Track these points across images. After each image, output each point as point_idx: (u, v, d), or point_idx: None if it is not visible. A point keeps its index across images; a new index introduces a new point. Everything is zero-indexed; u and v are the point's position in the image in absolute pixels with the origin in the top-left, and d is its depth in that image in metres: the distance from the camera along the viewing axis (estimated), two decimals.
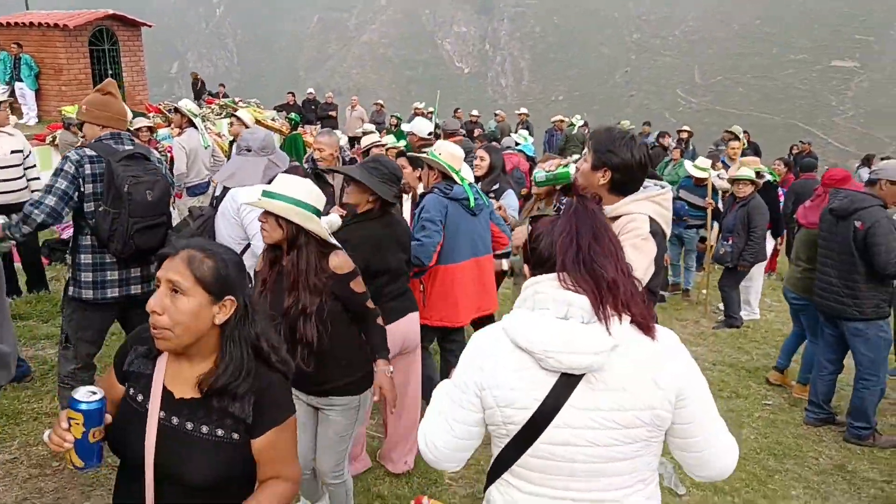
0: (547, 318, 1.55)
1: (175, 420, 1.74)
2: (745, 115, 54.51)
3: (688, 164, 8.89)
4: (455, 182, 4.13)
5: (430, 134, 6.76)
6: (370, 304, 2.96)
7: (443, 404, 1.73)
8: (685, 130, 14.21)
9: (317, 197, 2.81)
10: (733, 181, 7.11)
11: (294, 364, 1.90)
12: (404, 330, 3.61)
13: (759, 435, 4.79)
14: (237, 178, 3.83)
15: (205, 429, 1.73)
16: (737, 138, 9.95)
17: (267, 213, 2.71)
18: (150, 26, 16.83)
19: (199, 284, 1.69)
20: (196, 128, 7.39)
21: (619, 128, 2.72)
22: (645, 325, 1.60)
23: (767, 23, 63.06)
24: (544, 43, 71.11)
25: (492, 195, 5.14)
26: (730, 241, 7.01)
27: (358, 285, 2.88)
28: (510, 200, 5.26)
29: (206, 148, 7.38)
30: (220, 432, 1.72)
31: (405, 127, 8.06)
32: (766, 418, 5.09)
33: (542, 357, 1.53)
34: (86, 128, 3.73)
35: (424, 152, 6.61)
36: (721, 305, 7.49)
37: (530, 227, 1.78)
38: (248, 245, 3.73)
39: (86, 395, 1.71)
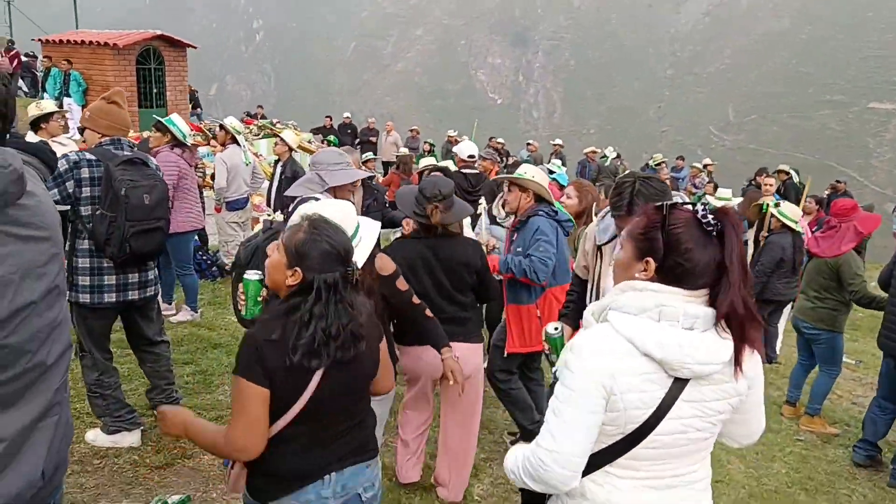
0: (676, 331, 1.66)
1: None
2: (779, 154, 54.03)
3: (709, 197, 8.93)
4: (551, 204, 4.21)
5: (470, 157, 6.85)
6: (416, 299, 3.15)
7: (562, 417, 1.71)
8: (709, 164, 14.44)
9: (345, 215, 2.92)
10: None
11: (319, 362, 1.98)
12: (425, 359, 3.52)
13: (790, 470, 4.74)
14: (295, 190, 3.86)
15: None
16: (786, 172, 9.95)
17: None
18: (195, 48, 17.33)
19: (283, 247, 2.01)
20: (239, 145, 7.58)
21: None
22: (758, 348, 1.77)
23: (803, 63, 62.80)
24: (578, 76, 71.51)
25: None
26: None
27: (402, 284, 3.09)
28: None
29: (247, 165, 7.57)
30: None
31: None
32: (798, 454, 5.03)
33: (677, 368, 1.66)
34: (87, 133, 3.79)
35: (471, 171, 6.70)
36: None
37: (669, 220, 1.72)
38: None
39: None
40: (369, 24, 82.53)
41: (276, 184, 8.06)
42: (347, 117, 19.16)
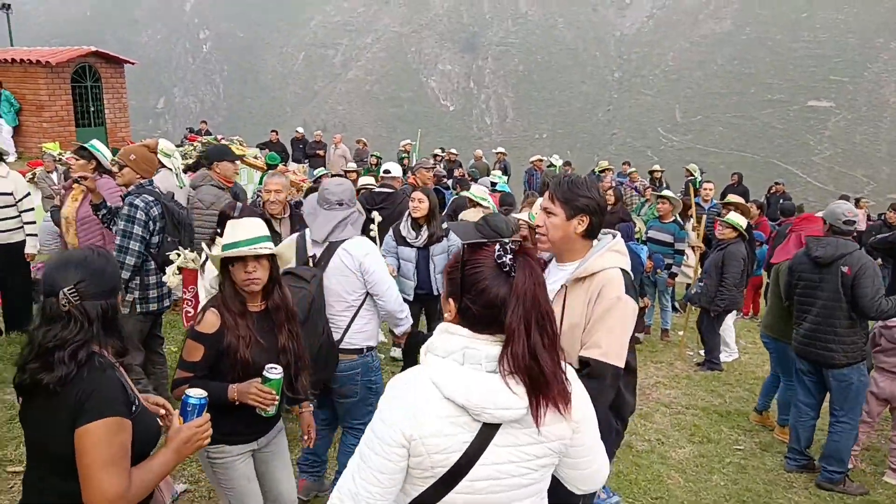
0: (480, 375, 1.61)
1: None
2: (725, 153, 55.40)
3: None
4: None
5: (385, 172, 7.32)
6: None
7: (366, 460, 1.66)
8: (657, 170, 14.52)
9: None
10: (718, 223, 7.19)
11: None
12: None
13: (728, 482, 4.77)
14: (341, 233, 3.66)
15: None
16: (706, 180, 10.10)
17: (253, 259, 2.70)
18: (132, 63, 16.91)
19: None
20: (169, 168, 7.34)
21: (572, 174, 2.80)
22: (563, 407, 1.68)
23: (745, 63, 64.45)
24: (528, 81, 72.17)
25: (443, 235, 5.45)
26: (702, 283, 7.06)
27: None
28: (455, 240, 5.47)
29: (181, 188, 7.34)
30: None
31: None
32: (737, 464, 5.08)
33: (478, 413, 1.60)
34: (127, 171, 4.57)
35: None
36: (699, 349, 7.53)
37: (466, 261, 1.68)
38: (365, 296, 3.67)
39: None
40: (319, 33, 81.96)
41: None
42: (299, 132, 18.83)
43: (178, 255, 4.48)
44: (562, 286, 2.58)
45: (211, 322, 2.67)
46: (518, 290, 1.61)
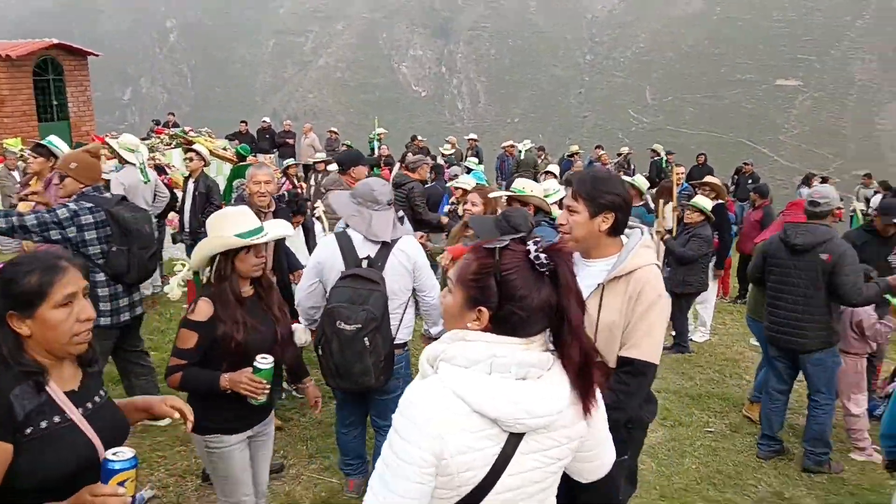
0: (508, 383, 1.53)
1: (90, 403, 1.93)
2: (695, 134, 55.83)
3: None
4: (549, 214, 4.50)
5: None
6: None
7: (389, 486, 1.52)
8: (624, 152, 14.62)
9: None
10: (684, 207, 7.22)
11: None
12: None
13: (700, 464, 4.84)
14: (396, 232, 3.74)
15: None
16: (677, 163, 10.16)
17: (257, 247, 2.81)
18: (96, 55, 16.56)
19: None
20: (132, 163, 7.21)
21: (597, 168, 2.75)
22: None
23: (714, 43, 64.89)
24: (499, 65, 72.02)
25: None
26: (669, 268, 7.11)
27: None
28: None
29: (145, 183, 7.22)
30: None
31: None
32: (708, 446, 5.15)
33: (512, 424, 1.53)
34: (68, 181, 4.24)
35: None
36: (669, 332, 7.61)
37: (502, 263, 1.56)
38: (411, 292, 3.78)
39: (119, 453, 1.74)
40: (288, 20, 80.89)
41: (189, 202, 7.76)
42: (265, 121, 18.66)
43: (184, 266, 4.36)
44: (599, 285, 2.51)
45: (204, 311, 2.74)
46: (567, 286, 1.56)
